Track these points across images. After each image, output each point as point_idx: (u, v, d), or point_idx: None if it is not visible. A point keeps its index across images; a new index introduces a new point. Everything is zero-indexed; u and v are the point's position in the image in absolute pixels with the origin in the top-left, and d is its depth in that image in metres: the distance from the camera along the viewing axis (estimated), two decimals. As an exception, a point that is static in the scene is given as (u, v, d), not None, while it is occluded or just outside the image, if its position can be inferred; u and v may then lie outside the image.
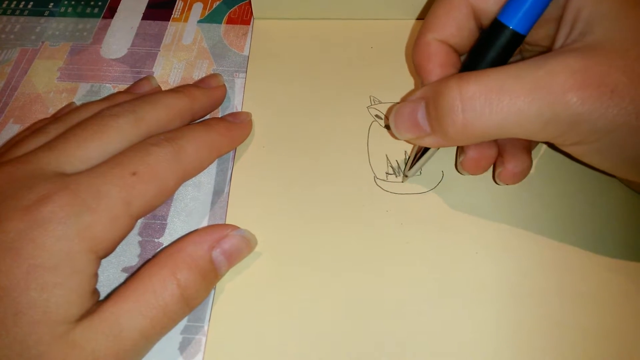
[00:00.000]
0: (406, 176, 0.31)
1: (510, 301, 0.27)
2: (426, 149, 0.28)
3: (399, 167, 0.31)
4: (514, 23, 0.24)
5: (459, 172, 0.30)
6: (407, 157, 0.32)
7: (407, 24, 0.38)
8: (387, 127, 0.33)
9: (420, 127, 0.26)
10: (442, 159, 0.31)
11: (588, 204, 0.30)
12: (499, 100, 0.22)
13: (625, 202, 0.30)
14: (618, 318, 0.26)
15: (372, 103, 0.34)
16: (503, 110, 0.22)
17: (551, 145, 0.31)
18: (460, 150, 0.29)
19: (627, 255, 0.28)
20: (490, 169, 0.29)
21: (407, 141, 0.30)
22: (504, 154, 0.28)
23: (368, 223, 0.29)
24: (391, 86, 0.34)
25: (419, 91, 0.26)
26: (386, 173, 0.31)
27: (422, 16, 0.38)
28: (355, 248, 0.28)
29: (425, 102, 0.25)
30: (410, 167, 0.30)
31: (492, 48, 0.25)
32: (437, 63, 0.27)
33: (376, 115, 0.33)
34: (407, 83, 0.35)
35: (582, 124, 0.21)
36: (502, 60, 0.25)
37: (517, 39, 0.25)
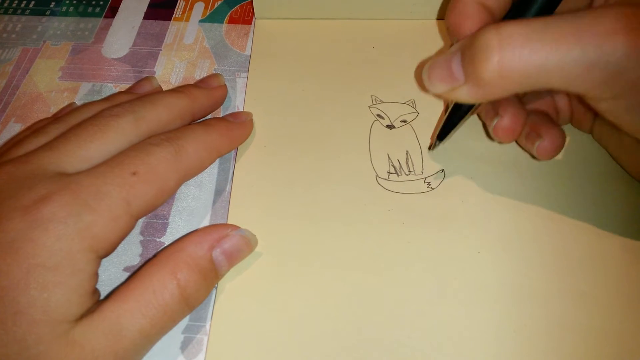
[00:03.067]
0: (437, 142, 0.30)
1: (511, 301, 0.26)
2: (455, 118, 0.28)
3: (400, 166, 0.31)
4: None
5: (490, 138, 0.30)
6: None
7: (409, 24, 0.38)
8: (389, 126, 0.33)
9: (454, 76, 0.24)
10: (444, 158, 0.31)
11: (590, 204, 0.29)
12: (540, 39, 0.21)
13: (628, 202, 0.29)
14: (620, 318, 0.26)
15: (374, 102, 0.34)
16: (544, 49, 0.21)
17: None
18: (492, 114, 0.28)
19: (629, 255, 0.28)
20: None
21: (440, 95, 0.28)
22: (540, 129, 0.28)
23: (369, 222, 0.29)
24: (393, 86, 0.34)
25: (455, 45, 0.25)
26: (388, 172, 0.31)
27: (424, 16, 0.38)
28: (356, 247, 0.28)
29: (461, 50, 0.24)
30: (443, 135, 0.29)
31: (535, 2, 0.24)
32: (475, 23, 0.26)
33: (378, 115, 0.33)
34: (409, 83, 0.35)
35: (627, 71, 0.20)
36: (549, 9, 0.24)
37: None
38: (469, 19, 0.26)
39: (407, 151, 0.32)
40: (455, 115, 0.28)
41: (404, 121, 0.33)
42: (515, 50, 0.21)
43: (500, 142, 0.30)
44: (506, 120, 0.27)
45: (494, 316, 0.26)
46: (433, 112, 0.33)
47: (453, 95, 0.25)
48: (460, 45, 0.24)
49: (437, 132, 0.30)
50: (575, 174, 0.30)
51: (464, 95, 0.25)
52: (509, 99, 0.28)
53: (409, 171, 0.31)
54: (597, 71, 0.20)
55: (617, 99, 0.22)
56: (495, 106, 0.28)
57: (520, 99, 0.29)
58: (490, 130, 0.28)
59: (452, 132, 0.29)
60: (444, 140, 0.29)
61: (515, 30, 0.21)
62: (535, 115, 0.28)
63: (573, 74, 0.21)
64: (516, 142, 0.31)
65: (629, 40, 0.20)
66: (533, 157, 0.29)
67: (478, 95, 0.24)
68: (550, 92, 0.30)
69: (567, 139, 0.31)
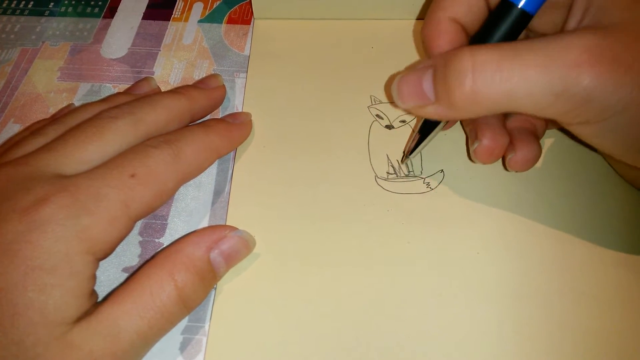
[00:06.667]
0: (407, 157, 0.30)
1: (511, 301, 0.26)
2: (425, 134, 0.28)
3: (399, 166, 0.31)
4: (522, 1, 0.24)
5: (471, 160, 0.30)
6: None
7: (408, 24, 0.38)
8: (388, 127, 0.33)
9: (424, 95, 0.25)
10: (443, 159, 0.31)
11: (590, 203, 0.29)
12: (511, 68, 0.22)
13: (627, 202, 0.29)
14: (620, 318, 0.26)
15: (373, 103, 0.34)
16: (514, 78, 0.22)
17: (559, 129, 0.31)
18: (473, 138, 0.29)
19: (629, 255, 0.28)
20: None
21: (408, 111, 0.29)
22: (515, 141, 0.28)
23: (369, 223, 0.29)
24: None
25: (425, 60, 0.26)
26: (387, 172, 0.31)
27: (423, 16, 0.38)
28: (355, 248, 0.28)
29: (433, 69, 0.25)
30: (411, 152, 0.30)
31: (499, 27, 0.25)
32: (447, 40, 0.27)
33: (377, 115, 0.33)
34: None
35: (593, 100, 0.21)
36: (509, 39, 0.25)
37: (525, 18, 0.24)
38: (443, 34, 0.27)
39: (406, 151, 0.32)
40: (425, 130, 0.29)
41: (403, 121, 0.33)
42: (487, 76, 0.22)
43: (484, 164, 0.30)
44: (485, 143, 0.27)
45: (494, 316, 0.26)
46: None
47: (421, 112, 0.26)
48: (433, 63, 0.25)
49: (407, 146, 0.30)
50: (575, 175, 0.30)
51: (432, 113, 0.25)
52: (488, 122, 0.28)
53: (409, 171, 0.31)
54: (564, 100, 0.21)
55: (588, 124, 0.23)
56: (474, 130, 0.29)
57: (502, 118, 0.29)
58: (471, 153, 0.29)
59: (421, 147, 0.29)
60: (413, 155, 0.30)
61: (488, 57, 0.22)
62: (516, 128, 0.29)
63: (542, 102, 0.22)
64: None
65: (593, 73, 0.20)
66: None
67: (446, 115, 0.25)
68: None
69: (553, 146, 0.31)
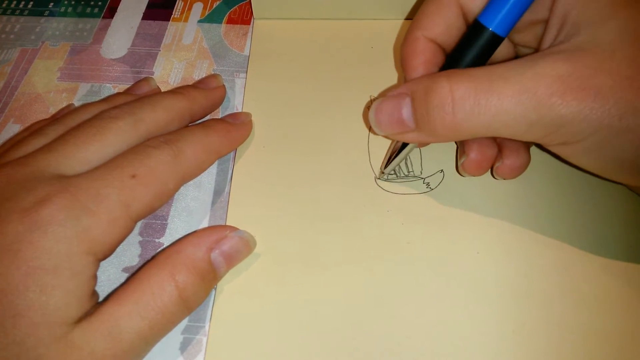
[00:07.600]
0: (383, 173, 0.30)
1: (511, 302, 0.26)
2: (404, 146, 0.28)
3: (399, 167, 0.31)
4: (493, 25, 0.25)
5: (459, 174, 0.30)
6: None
7: (408, 24, 0.37)
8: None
9: (404, 123, 0.26)
10: (443, 159, 0.31)
11: (590, 205, 0.29)
12: (487, 101, 0.22)
13: (627, 203, 0.29)
14: (619, 319, 0.26)
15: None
16: (490, 110, 0.22)
17: (539, 146, 0.31)
18: (460, 152, 0.29)
19: (628, 256, 0.28)
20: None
21: (386, 137, 0.29)
22: (503, 149, 0.28)
23: (369, 223, 0.29)
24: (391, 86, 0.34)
25: (401, 86, 0.26)
26: (387, 173, 0.31)
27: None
28: (355, 248, 0.28)
29: (411, 97, 0.25)
30: (387, 165, 0.30)
31: (471, 48, 0.25)
32: (422, 60, 0.28)
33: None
34: (408, 82, 0.35)
35: (566, 126, 0.22)
36: (481, 60, 0.26)
37: (496, 40, 0.25)
38: (417, 57, 0.28)
39: (405, 152, 0.32)
40: (402, 148, 0.29)
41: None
42: (466, 110, 0.23)
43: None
44: (472, 157, 0.28)
45: (493, 316, 0.26)
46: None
47: (401, 138, 0.27)
48: (410, 89, 0.25)
49: (384, 163, 0.31)
50: (575, 176, 0.30)
51: (413, 139, 0.26)
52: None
53: (408, 172, 0.31)
54: (539, 127, 0.22)
55: (565, 145, 0.23)
56: (462, 143, 0.29)
57: None
58: (459, 167, 0.29)
59: (396, 162, 0.29)
60: (393, 165, 0.30)
61: (466, 91, 0.23)
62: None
63: (518, 129, 0.23)
64: None
65: (564, 102, 0.21)
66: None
67: (427, 141, 0.26)
68: None
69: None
